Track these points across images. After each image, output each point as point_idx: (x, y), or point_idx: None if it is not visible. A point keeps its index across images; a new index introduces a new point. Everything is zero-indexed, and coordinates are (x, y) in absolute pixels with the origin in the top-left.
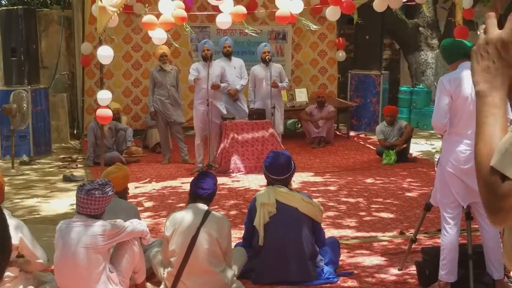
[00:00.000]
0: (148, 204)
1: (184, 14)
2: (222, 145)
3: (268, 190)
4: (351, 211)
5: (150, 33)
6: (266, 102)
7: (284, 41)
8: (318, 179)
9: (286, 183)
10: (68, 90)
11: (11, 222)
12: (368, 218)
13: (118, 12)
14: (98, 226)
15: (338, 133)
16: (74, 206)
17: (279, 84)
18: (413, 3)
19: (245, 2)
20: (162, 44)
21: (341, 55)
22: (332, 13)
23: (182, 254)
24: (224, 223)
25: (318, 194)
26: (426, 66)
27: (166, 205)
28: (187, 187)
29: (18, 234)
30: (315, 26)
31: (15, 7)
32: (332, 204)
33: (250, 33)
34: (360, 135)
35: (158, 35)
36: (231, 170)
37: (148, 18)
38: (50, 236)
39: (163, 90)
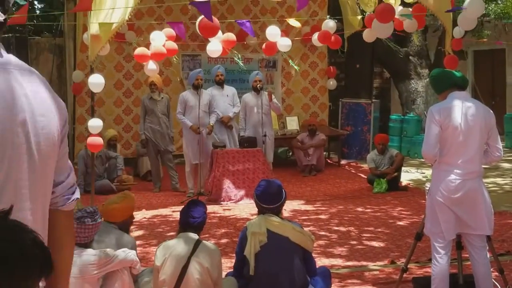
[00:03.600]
0: (139, 232)
1: (175, 46)
2: (213, 174)
3: (259, 219)
4: (342, 239)
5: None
6: (257, 130)
7: (274, 69)
8: (309, 207)
9: (277, 212)
10: None
11: None
12: (359, 247)
13: (110, 40)
14: (89, 255)
15: (329, 161)
16: None
17: (273, 99)
18: (402, 33)
19: (236, 30)
20: None
21: (332, 83)
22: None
23: (172, 284)
24: (215, 253)
25: (309, 223)
26: (417, 95)
27: (157, 233)
28: (177, 215)
29: None
30: (296, 68)
31: (6, 35)
32: (323, 232)
33: (238, 61)
34: (351, 163)
35: (150, 67)
36: (222, 199)
37: (140, 50)
38: None
39: (154, 118)
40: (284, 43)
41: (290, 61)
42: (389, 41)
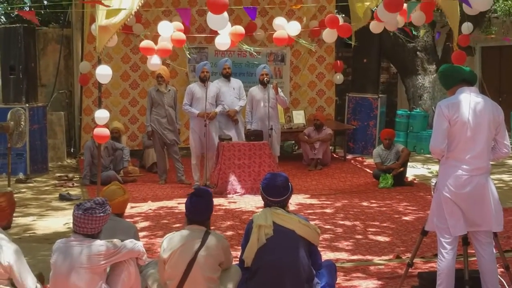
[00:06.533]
0: (144, 224)
1: (183, 37)
2: (218, 166)
3: (265, 212)
4: (347, 234)
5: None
6: (264, 123)
7: (282, 63)
8: (315, 201)
9: (283, 205)
10: (66, 109)
11: (11, 247)
12: (364, 241)
13: (118, 31)
14: (96, 246)
15: (335, 155)
16: (70, 225)
17: (280, 93)
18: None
19: (244, 23)
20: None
21: (339, 77)
22: (329, 35)
23: (178, 277)
24: (223, 244)
25: (314, 217)
26: (424, 90)
27: (162, 225)
28: (183, 207)
29: (8, 259)
30: (313, 45)
31: (14, 25)
32: (328, 226)
33: (249, 51)
34: (357, 158)
35: (153, 61)
36: (227, 191)
37: (146, 43)
38: (45, 254)
39: (161, 110)
40: (293, 27)
41: (303, 43)
42: (399, 33)
